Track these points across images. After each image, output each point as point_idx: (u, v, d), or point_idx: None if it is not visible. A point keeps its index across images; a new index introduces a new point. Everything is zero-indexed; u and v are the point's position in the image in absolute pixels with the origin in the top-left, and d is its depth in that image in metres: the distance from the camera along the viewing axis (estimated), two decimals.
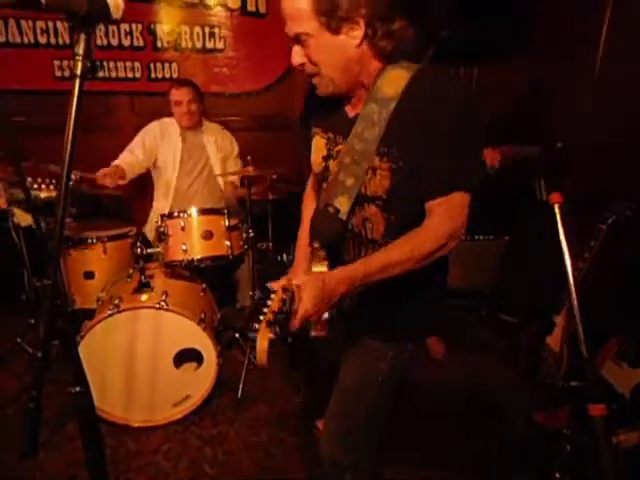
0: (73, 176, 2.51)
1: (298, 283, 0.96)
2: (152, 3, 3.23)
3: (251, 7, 3.29)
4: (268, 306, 0.91)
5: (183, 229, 2.34)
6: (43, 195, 2.08)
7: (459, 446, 2.06)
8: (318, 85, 1.09)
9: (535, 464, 1.93)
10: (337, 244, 1.18)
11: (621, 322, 2.08)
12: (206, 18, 3.30)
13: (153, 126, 2.90)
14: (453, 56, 2.89)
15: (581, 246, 2.00)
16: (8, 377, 2.45)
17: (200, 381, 2.20)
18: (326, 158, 1.19)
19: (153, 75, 3.37)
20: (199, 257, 2.34)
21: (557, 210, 1.07)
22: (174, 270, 2.45)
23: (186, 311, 2.13)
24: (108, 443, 2.01)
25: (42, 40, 3.24)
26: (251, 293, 2.69)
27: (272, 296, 0.95)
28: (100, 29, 3.17)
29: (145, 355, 2.11)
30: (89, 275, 2.56)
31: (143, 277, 2.23)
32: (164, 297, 2.10)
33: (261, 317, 0.87)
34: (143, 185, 3.11)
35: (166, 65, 3.37)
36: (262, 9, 3.29)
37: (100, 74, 3.22)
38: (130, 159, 2.78)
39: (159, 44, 3.32)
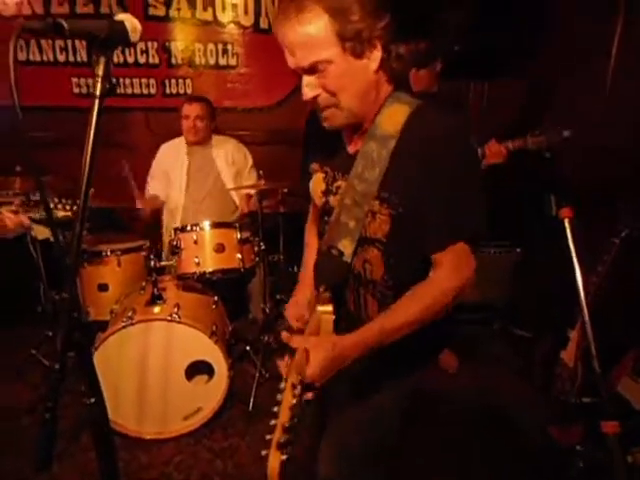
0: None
1: (308, 347, 0.92)
2: (167, 22, 3.33)
3: (263, 24, 3.36)
4: (277, 414, 0.84)
5: (196, 242, 2.37)
6: (60, 214, 2.12)
7: (472, 460, 2.04)
8: (330, 117, 1.04)
9: (548, 479, 1.90)
10: (341, 285, 1.16)
11: (636, 337, 2.04)
12: (219, 35, 3.39)
13: (163, 149, 2.99)
14: (464, 71, 2.93)
15: (591, 255, 1.97)
16: (23, 388, 2.47)
17: (211, 394, 2.21)
18: (325, 193, 1.18)
19: (168, 91, 3.46)
20: (211, 270, 2.37)
21: (567, 225, 1.08)
22: (186, 283, 2.47)
23: (198, 324, 2.15)
24: (120, 455, 2.02)
25: (61, 58, 3.36)
26: (262, 305, 2.71)
27: (281, 385, 0.90)
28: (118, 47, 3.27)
29: (157, 367, 2.13)
30: (103, 287, 2.60)
31: (156, 289, 2.26)
32: (176, 309, 2.13)
33: (268, 436, 0.82)
34: None
35: (180, 81, 3.45)
36: None
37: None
38: (157, 185, 2.96)
39: (174, 61, 3.41)
